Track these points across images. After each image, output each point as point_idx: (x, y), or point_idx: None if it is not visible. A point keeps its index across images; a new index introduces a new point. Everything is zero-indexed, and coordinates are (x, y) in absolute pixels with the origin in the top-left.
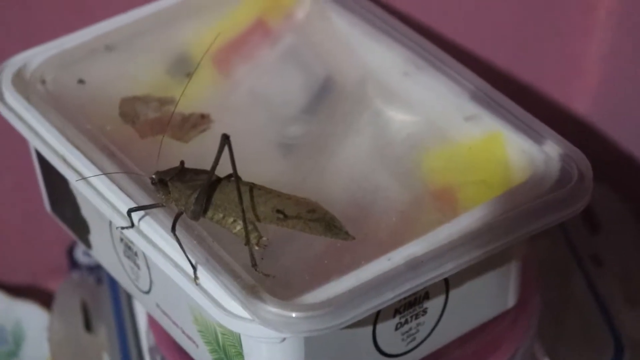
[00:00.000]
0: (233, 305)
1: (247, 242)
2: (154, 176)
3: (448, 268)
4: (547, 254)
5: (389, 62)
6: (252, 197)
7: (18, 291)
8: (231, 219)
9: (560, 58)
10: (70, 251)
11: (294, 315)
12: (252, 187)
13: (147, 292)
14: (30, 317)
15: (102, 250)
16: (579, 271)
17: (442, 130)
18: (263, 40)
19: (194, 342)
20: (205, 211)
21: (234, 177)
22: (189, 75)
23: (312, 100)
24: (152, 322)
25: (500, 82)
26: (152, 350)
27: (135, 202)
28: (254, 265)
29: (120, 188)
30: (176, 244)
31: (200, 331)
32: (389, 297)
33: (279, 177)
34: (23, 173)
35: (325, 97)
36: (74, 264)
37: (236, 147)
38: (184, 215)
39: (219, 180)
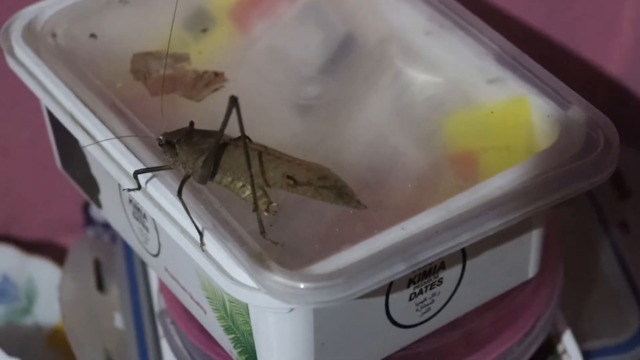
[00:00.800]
0: (240, 273)
1: (256, 208)
2: (161, 137)
3: (464, 239)
4: (573, 219)
5: (411, 20)
6: (261, 162)
7: (32, 247)
8: (240, 184)
9: (593, 18)
10: (86, 207)
11: (302, 286)
12: (261, 151)
13: (156, 256)
14: (43, 274)
15: (111, 210)
16: (606, 238)
17: (464, 93)
18: None
19: (202, 308)
20: (213, 175)
21: (242, 141)
22: (205, 30)
23: (332, 58)
24: (162, 286)
25: (532, 42)
26: (162, 313)
27: (143, 163)
28: (263, 232)
29: (129, 148)
30: (183, 209)
31: (208, 297)
32: (402, 268)
33: (294, 138)
34: (38, 127)
35: (345, 55)
36: (89, 220)
37: (251, 106)
38: (192, 178)
39: (227, 143)
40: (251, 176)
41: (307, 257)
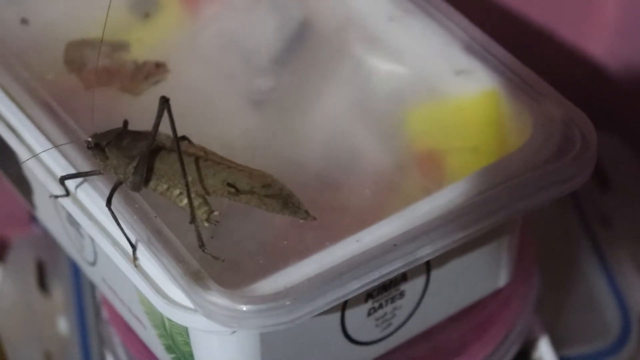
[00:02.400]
0: (178, 291)
1: (193, 219)
2: (89, 139)
3: (425, 252)
4: (550, 214)
5: (373, 4)
6: (198, 167)
7: None
8: (177, 191)
9: None
10: None
11: (244, 308)
12: (199, 156)
13: (93, 264)
14: None
15: (46, 213)
16: (586, 234)
17: (430, 85)
18: None
19: (141, 323)
20: (147, 181)
21: (176, 146)
22: (147, 15)
23: (287, 47)
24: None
25: (508, 23)
26: (105, 323)
27: (74, 167)
28: (202, 245)
29: (59, 151)
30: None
31: (147, 313)
32: (355, 287)
33: (245, 136)
34: None
35: (302, 43)
36: (34, 216)
37: (196, 100)
38: (125, 185)
39: (162, 146)
40: (187, 184)
41: (250, 274)
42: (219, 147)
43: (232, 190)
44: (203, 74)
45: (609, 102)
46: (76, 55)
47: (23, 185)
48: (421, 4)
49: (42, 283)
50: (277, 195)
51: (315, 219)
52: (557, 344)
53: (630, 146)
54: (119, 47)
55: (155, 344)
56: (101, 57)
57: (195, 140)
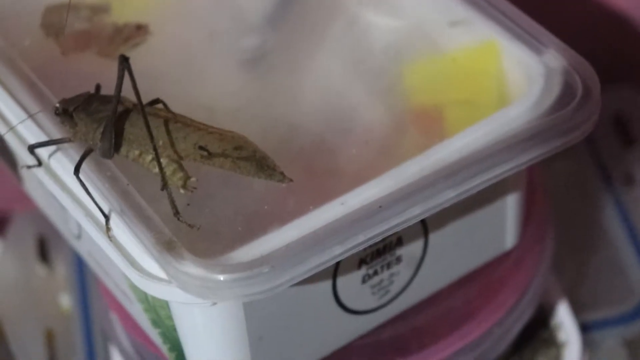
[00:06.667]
0: (154, 263)
1: (164, 185)
2: (57, 105)
3: (414, 213)
4: (570, 172)
5: None
6: (168, 131)
7: None
8: (150, 157)
9: None
10: None
11: (220, 277)
12: (168, 118)
13: (78, 238)
14: None
15: (32, 185)
16: (608, 193)
17: (427, 38)
18: None
19: (128, 297)
20: (118, 147)
21: (141, 108)
22: None
23: (279, 2)
24: None
25: None
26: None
27: (48, 136)
28: (176, 213)
29: (33, 120)
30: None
31: (130, 286)
32: (338, 252)
33: (235, 99)
34: None
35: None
36: None
37: (182, 62)
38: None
39: (131, 109)
40: (155, 148)
41: (228, 242)
42: (204, 109)
43: (205, 153)
44: (189, 35)
45: (634, 54)
46: (55, 19)
47: (9, 157)
48: None
49: (45, 259)
50: (251, 157)
51: (291, 180)
52: (578, 309)
53: None
54: (100, 9)
55: (143, 319)
56: (81, 21)
57: (178, 102)
